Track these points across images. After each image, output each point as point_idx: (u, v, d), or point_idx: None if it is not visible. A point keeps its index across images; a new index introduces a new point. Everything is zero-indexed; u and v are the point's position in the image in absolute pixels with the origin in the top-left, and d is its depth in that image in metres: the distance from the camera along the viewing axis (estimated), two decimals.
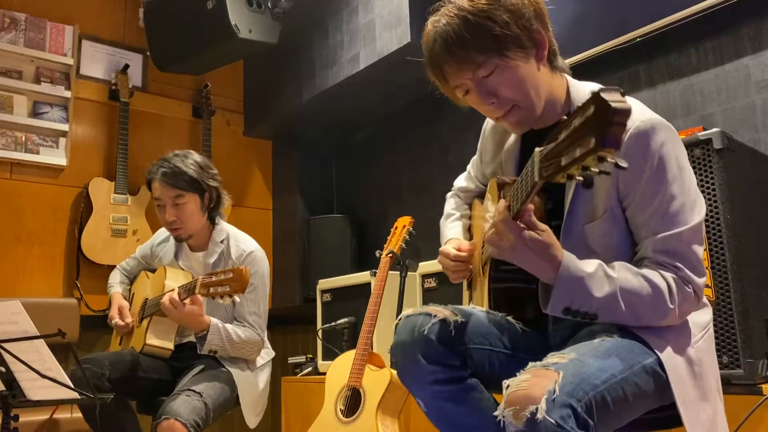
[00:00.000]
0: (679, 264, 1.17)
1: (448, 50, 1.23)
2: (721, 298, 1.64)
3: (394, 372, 2.15)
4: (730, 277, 1.63)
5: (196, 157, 2.35)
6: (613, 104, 0.83)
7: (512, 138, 1.45)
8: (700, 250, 1.20)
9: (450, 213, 1.71)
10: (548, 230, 1.13)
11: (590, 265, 1.14)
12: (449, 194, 1.77)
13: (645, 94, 2.49)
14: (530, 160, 1.03)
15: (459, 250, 1.50)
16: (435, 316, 1.28)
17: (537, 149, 1.01)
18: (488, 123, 1.56)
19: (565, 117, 0.93)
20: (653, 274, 1.16)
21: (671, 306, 1.15)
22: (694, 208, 1.19)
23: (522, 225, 1.11)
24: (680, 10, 2.25)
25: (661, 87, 2.46)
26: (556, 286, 1.12)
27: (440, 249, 1.54)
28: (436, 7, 1.28)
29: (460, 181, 1.74)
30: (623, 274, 1.15)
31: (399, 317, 1.35)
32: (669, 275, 1.16)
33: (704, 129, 1.75)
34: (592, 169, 0.88)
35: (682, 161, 1.22)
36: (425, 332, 1.26)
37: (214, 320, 2.20)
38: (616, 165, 0.88)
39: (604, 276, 1.14)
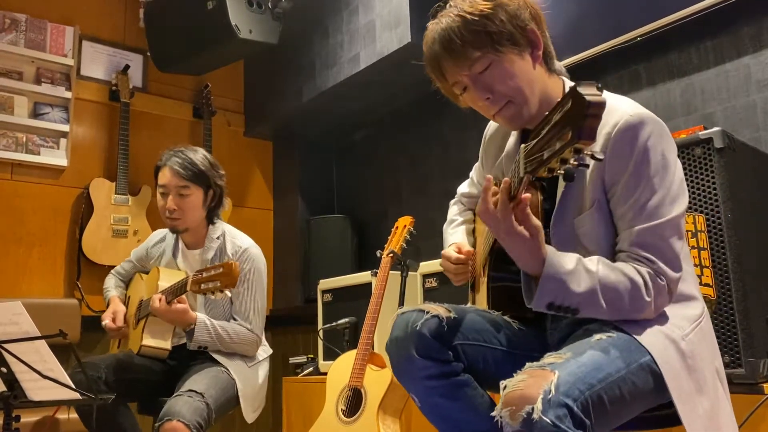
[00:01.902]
0: (652, 257, 1.18)
1: (445, 48, 1.29)
2: (722, 297, 1.64)
3: None
4: (731, 276, 1.63)
5: (206, 153, 2.40)
6: (587, 97, 0.86)
7: (512, 140, 1.47)
8: (678, 244, 1.21)
9: (452, 219, 1.73)
10: (539, 228, 1.14)
11: (570, 261, 1.16)
12: (452, 201, 1.79)
13: (645, 93, 2.49)
14: (517, 156, 1.07)
15: (459, 252, 1.52)
16: (428, 312, 1.31)
17: (522, 146, 1.04)
18: (489, 129, 1.60)
19: (547, 113, 0.96)
20: (629, 269, 1.18)
21: (648, 299, 1.17)
22: (674, 203, 1.21)
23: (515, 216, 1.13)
24: (680, 9, 2.25)
25: (661, 86, 2.46)
26: (541, 283, 1.14)
27: (442, 252, 1.57)
28: (437, 10, 1.33)
29: (463, 188, 1.77)
30: (602, 269, 1.17)
31: (394, 315, 1.38)
32: (644, 269, 1.18)
33: (705, 128, 1.75)
34: (571, 162, 0.91)
35: (668, 155, 1.23)
36: (418, 327, 1.28)
37: (200, 316, 2.21)
38: (592, 156, 0.91)
39: (584, 271, 1.16)
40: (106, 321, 2.40)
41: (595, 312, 1.17)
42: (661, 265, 1.18)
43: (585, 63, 2.50)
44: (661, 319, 1.21)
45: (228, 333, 2.24)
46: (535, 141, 0.99)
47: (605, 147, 1.21)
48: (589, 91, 0.86)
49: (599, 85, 0.88)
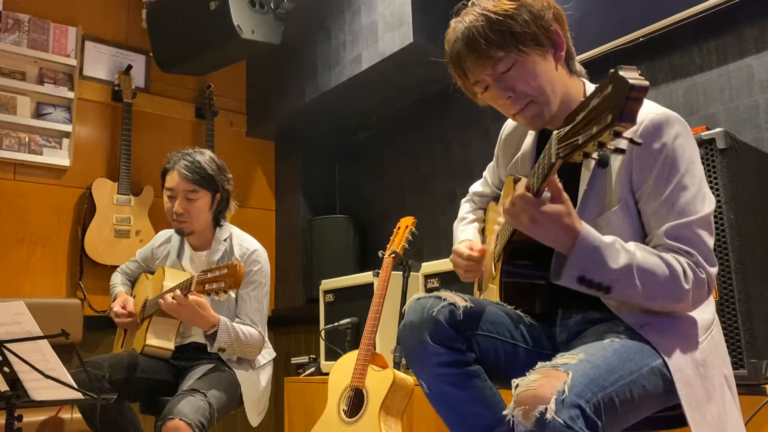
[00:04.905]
0: (691, 249, 1.17)
1: (469, 47, 1.29)
2: (724, 298, 1.64)
3: (397, 372, 2.15)
4: (733, 277, 1.63)
5: (214, 156, 2.40)
6: (630, 80, 0.85)
7: (528, 140, 1.47)
8: (711, 241, 1.20)
9: (463, 217, 1.73)
10: (568, 200, 1.11)
11: (608, 237, 1.14)
12: (464, 199, 1.79)
13: (648, 94, 2.48)
14: (548, 143, 1.05)
15: (471, 249, 1.52)
16: (445, 299, 1.30)
17: (554, 132, 1.02)
18: (505, 128, 1.60)
19: (582, 99, 0.95)
20: (668, 256, 1.16)
21: (686, 287, 1.14)
22: (705, 200, 1.21)
23: (542, 199, 1.10)
24: (683, 9, 2.25)
25: (664, 87, 2.46)
26: (572, 254, 1.10)
27: (454, 248, 1.56)
28: (459, 9, 1.34)
29: (476, 187, 1.76)
30: (639, 251, 1.15)
31: (410, 300, 1.36)
32: (683, 259, 1.16)
33: (707, 129, 1.75)
34: (608, 145, 0.90)
35: (694, 156, 1.24)
36: (434, 314, 1.27)
37: (223, 318, 2.19)
38: (631, 141, 0.90)
39: (621, 248, 1.13)
40: (116, 308, 2.38)
41: (629, 293, 1.14)
42: (700, 258, 1.17)
43: (587, 63, 2.47)
44: (677, 323, 1.20)
45: (245, 334, 2.23)
46: (569, 126, 0.97)
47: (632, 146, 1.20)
48: (631, 75, 0.86)
49: (639, 71, 0.87)
